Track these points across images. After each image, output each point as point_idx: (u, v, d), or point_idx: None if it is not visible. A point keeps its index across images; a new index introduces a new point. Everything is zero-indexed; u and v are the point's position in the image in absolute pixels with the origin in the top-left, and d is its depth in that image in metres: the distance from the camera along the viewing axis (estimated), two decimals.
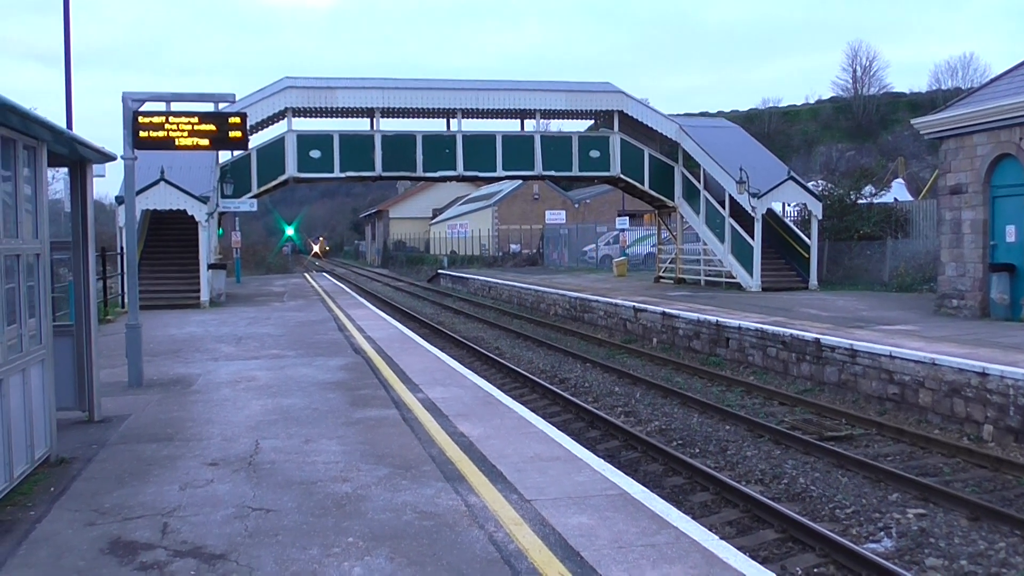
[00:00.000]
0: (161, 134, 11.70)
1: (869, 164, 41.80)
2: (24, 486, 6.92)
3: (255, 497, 6.65)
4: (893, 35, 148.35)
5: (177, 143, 11.79)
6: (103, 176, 19.29)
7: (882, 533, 8.38)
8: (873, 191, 31.52)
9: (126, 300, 19.82)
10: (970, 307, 17.80)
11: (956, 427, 11.85)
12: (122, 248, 23.25)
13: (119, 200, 21.62)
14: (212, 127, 11.82)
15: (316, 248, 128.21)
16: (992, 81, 19.32)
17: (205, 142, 11.92)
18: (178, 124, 11.72)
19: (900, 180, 41.46)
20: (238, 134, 12.02)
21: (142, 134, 11.63)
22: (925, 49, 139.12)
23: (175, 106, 12.27)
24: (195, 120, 11.76)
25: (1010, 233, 17.10)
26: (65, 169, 9.63)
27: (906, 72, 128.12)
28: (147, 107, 11.95)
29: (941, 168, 19.21)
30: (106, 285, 21.99)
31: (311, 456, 7.87)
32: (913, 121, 20.30)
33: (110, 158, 9.83)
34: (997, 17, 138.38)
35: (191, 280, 24.57)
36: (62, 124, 13.46)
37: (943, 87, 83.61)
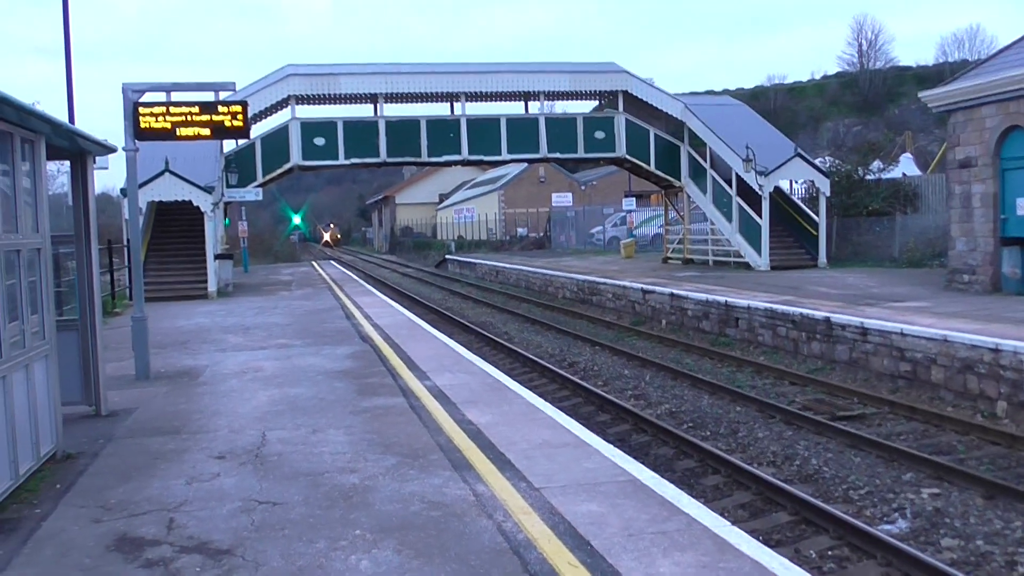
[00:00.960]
0: (162, 124, 11.63)
1: (876, 139, 41.44)
2: (30, 483, 6.88)
3: (261, 490, 6.60)
4: (898, 8, 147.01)
5: (178, 133, 11.72)
6: (106, 168, 19.26)
7: (896, 514, 8.30)
8: (881, 166, 31.25)
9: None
10: (981, 282, 17.63)
11: (969, 404, 11.74)
12: (128, 240, 23.21)
13: (124, 192, 21.56)
14: (213, 116, 11.74)
15: (327, 236, 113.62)
16: (1000, 52, 19.07)
17: (206, 132, 11.83)
18: (179, 114, 11.65)
19: (908, 154, 41.11)
20: (239, 123, 11.93)
21: (143, 125, 11.56)
22: (931, 21, 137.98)
23: (176, 96, 12.17)
24: (195, 110, 11.68)
25: (1021, 206, 16.90)
26: (68, 162, 9.57)
27: (912, 45, 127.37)
28: (148, 97, 11.87)
29: (950, 141, 19.00)
30: (113, 277, 22.00)
31: (318, 447, 7.82)
32: (921, 94, 20.06)
33: (111, 150, 9.77)
34: None
35: (198, 271, 24.53)
36: (63, 117, 13.39)
37: (950, 59, 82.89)
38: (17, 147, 7.03)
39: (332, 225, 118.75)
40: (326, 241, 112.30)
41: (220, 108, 11.84)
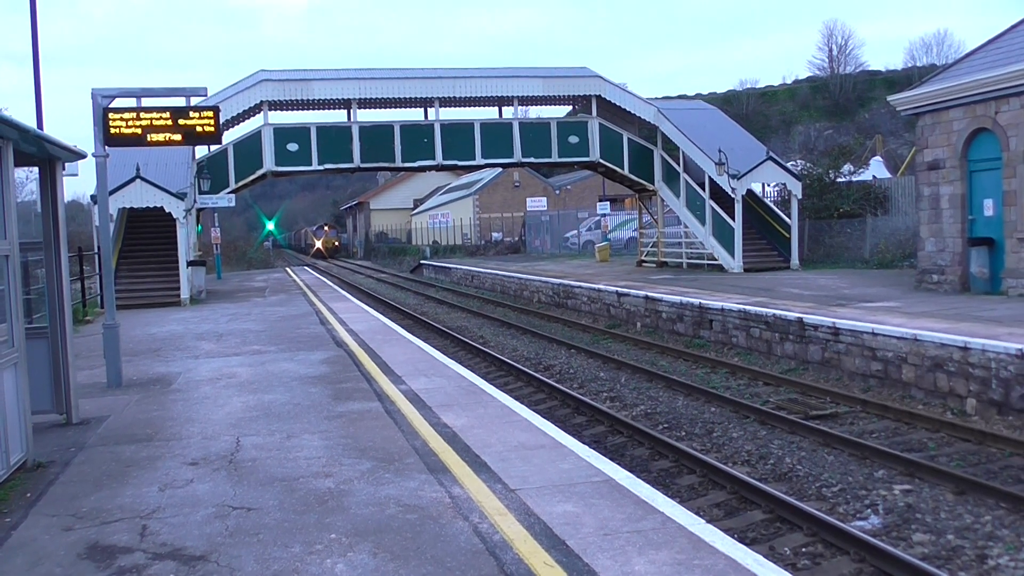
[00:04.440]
0: (132, 130, 11.51)
1: (847, 142, 41.90)
2: (0, 492, 6.80)
3: (236, 496, 6.56)
4: (868, 13, 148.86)
5: (149, 139, 11.59)
6: (76, 175, 19.06)
7: (869, 510, 8.38)
8: (852, 169, 31.63)
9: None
10: (950, 282, 17.86)
11: (939, 402, 11.88)
12: (99, 247, 22.97)
13: (94, 199, 21.35)
14: (184, 122, 11.64)
15: (319, 243, 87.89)
16: (967, 56, 19.34)
17: (177, 137, 11.72)
18: (149, 119, 11.54)
19: (878, 157, 41.63)
20: (211, 128, 11.84)
21: (113, 130, 11.44)
22: (900, 27, 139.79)
23: (147, 101, 12.07)
24: (166, 115, 11.57)
25: (988, 207, 17.14)
26: (37, 168, 9.46)
27: (882, 50, 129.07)
28: (119, 103, 11.76)
29: (918, 144, 19.24)
30: (84, 285, 21.75)
31: (293, 452, 7.78)
32: (890, 98, 20.32)
33: (80, 156, 9.66)
34: None
35: (170, 278, 24.32)
36: (32, 123, 13.24)
37: (918, 64, 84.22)
38: None
39: (327, 228, 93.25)
40: (318, 250, 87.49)
41: (191, 113, 11.74)
